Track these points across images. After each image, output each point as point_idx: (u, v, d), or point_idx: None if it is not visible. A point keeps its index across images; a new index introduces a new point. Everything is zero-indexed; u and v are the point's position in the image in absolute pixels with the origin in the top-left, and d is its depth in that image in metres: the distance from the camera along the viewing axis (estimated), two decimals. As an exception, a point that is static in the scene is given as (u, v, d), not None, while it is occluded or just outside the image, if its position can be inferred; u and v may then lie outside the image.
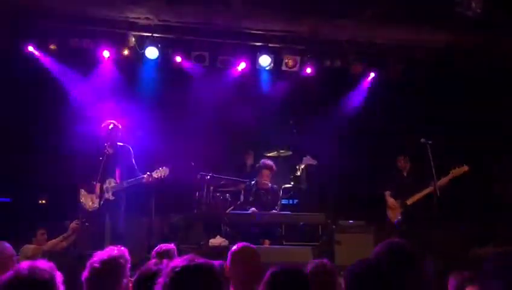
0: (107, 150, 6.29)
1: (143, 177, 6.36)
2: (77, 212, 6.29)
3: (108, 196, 6.29)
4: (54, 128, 7.87)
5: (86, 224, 6.25)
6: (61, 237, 6.39)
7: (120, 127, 6.47)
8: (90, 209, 6.25)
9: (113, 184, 6.35)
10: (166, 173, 6.43)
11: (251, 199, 7.19)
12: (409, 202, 6.80)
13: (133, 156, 6.55)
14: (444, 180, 6.50)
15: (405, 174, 7.19)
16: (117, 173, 6.44)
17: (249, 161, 8.47)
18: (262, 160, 7.43)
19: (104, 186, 6.20)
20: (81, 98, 8.12)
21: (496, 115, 8.17)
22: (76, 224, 6.30)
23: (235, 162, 8.51)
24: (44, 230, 6.49)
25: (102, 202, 6.01)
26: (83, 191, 6.35)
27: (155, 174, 6.38)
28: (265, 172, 7.18)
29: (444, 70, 8.30)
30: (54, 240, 6.39)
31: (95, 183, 6.14)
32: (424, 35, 7.86)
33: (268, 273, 2.31)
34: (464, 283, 3.48)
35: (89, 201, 6.30)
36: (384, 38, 8.00)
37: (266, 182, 7.18)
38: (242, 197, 7.30)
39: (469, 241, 7.57)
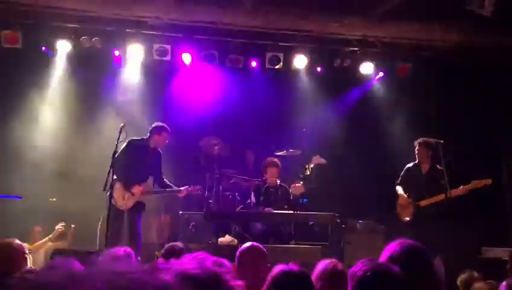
0: (149, 151, 6.40)
1: (179, 191, 6.49)
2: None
3: (141, 198, 6.34)
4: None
5: (72, 226, 6.32)
6: (47, 238, 6.47)
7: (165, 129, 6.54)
8: (120, 208, 6.21)
9: (148, 189, 6.41)
10: (199, 190, 6.66)
11: (262, 198, 7.17)
12: (422, 204, 6.39)
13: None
14: (463, 189, 6.19)
15: (423, 171, 6.61)
16: (151, 175, 6.52)
17: (250, 160, 8.41)
18: (268, 158, 7.40)
19: (140, 188, 6.28)
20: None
21: (507, 115, 8.08)
22: (62, 226, 6.35)
23: (236, 161, 8.44)
24: (40, 228, 6.55)
25: (133, 203, 6.20)
26: (118, 185, 6.16)
27: (191, 191, 6.51)
28: (273, 169, 7.16)
29: (455, 69, 8.22)
30: (40, 241, 6.48)
31: (133, 183, 6.23)
32: (434, 33, 7.79)
33: (270, 276, 2.29)
34: (472, 280, 3.47)
35: (121, 198, 6.22)
36: (393, 37, 7.94)
37: (275, 179, 7.16)
38: (253, 198, 7.28)
39: (481, 242, 7.51)
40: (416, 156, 6.64)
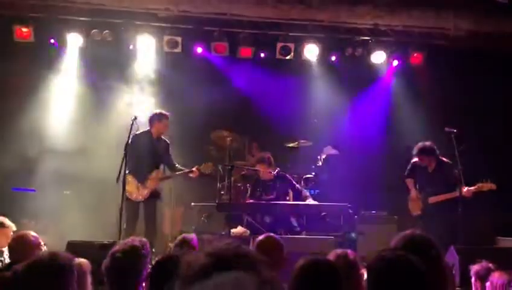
0: (154, 141, 6.40)
1: (191, 171, 6.42)
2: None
3: (156, 186, 6.34)
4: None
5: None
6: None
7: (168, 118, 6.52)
8: (134, 200, 6.22)
9: (160, 175, 6.38)
10: (211, 169, 6.59)
11: (259, 190, 7.00)
12: (431, 200, 6.40)
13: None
14: (468, 191, 6.10)
15: (430, 169, 6.54)
16: (161, 163, 6.51)
17: (256, 153, 8.36)
18: (258, 154, 7.29)
19: (152, 176, 6.28)
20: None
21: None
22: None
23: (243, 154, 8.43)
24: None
25: (149, 193, 6.22)
26: (130, 178, 6.16)
27: (202, 169, 6.45)
28: (260, 166, 6.85)
29: (467, 56, 8.12)
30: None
31: (144, 174, 6.24)
32: (447, 21, 7.69)
33: (298, 266, 2.26)
34: (487, 271, 3.45)
35: (135, 190, 6.24)
36: (405, 25, 7.85)
37: (266, 174, 6.87)
38: (249, 190, 7.15)
39: (493, 231, 7.45)
40: (422, 164, 6.55)
